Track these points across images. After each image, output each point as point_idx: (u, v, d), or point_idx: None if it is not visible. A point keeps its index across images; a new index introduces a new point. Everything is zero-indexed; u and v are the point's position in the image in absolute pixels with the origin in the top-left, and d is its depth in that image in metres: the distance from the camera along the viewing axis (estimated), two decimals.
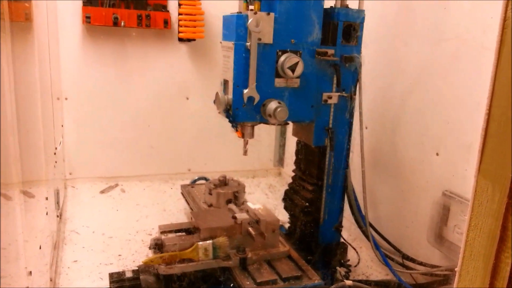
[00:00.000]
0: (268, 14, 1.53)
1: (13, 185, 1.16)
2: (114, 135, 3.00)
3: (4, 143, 1.05)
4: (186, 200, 2.55)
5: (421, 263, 1.88)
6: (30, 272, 1.23)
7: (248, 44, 1.53)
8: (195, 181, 2.87)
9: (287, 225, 2.10)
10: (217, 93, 1.67)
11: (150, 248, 1.72)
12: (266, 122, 1.67)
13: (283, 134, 3.39)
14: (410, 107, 1.99)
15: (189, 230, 1.82)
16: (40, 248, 1.50)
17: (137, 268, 1.73)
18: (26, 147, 1.36)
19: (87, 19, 2.62)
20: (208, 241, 1.67)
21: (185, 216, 2.62)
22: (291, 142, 3.11)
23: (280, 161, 3.48)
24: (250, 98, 1.58)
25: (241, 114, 1.62)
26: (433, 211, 1.79)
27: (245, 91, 1.57)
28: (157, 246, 1.70)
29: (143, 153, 3.09)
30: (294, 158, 2.02)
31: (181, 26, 2.79)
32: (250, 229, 1.77)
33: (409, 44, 1.97)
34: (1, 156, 1.03)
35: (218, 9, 2.85)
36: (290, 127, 1.98)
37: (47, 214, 1.76)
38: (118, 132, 3.01)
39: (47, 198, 1.77)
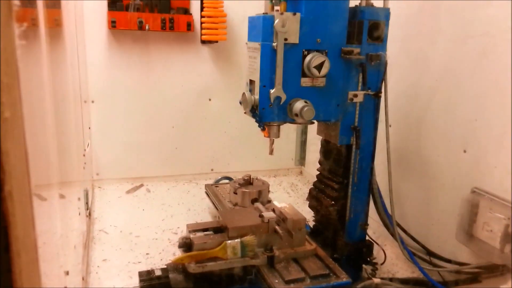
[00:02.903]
0: (294, 14, 1.54)
1: (52, 186, 1.20)
2: (139, 137, 3.06)
3: (45, 146, 1.08)
4: (210, 200, 2.58)
5: (448, 261, 1.87)
6: (68, 272, 1.26)
7: (274, 44, 1.55)
8: (218, 180, 2.90)
9: (311, 224, 2.11)
10: (243, 93, 1.69)
11: (179, 247, 1.74)
12: (293, 122, 1.69)
13: (304, 133, 3.40)
14: (436, 104, 1.97)
15: (217, 229, 1.85)
16: (74, 247, 1.55)
17: (165, 266, 1.76)
18: (61, 149, 1.40)
19: (112, 24, 2.67)
20: (236, 240, 1.69)
21: (209, 215, 2.65)
22: (313, 141, 3.12)
23: (302, 160, 3.48)
24: (277, 98, 1.60)
25: (267, 114, 1.63)
26: (461, 208, 1.78)
27: (272, 91, 1.59)
28: (186, 245, 1.73)
29: (167, 154, 3.14)
30: (315, 157, 2.03)
31: (203, 29, 2.82)
32: (277, 227, 1.79)
33: (435, 41, 1.96)
34: (43, 159, 1.06)
35: (240, 11, 2.88)
36: (311, 126, 1.98)
37: (79, 214, 1.81)
38: (143, 134, 3.06)
39: (79, 199, 1.81)
